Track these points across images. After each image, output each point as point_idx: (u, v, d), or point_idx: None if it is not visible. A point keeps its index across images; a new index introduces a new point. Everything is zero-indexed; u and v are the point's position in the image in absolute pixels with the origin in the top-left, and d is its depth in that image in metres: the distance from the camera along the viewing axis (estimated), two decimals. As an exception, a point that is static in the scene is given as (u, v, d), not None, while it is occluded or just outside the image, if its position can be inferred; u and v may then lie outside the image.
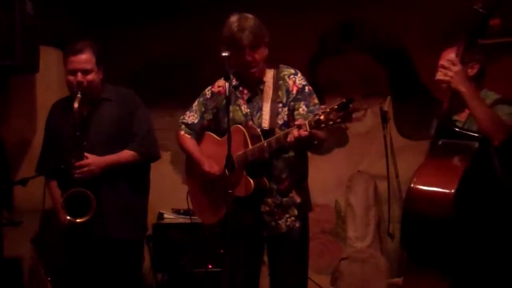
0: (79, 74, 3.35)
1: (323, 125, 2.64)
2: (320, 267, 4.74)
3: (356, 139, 4.71)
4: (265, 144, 2.89)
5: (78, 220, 3.29)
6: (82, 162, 3.30)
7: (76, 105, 3.30)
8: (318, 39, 4.82)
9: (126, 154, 3.44)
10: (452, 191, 2.59)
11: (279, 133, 2.95)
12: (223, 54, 2.85)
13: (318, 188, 4.68)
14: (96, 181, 3.33)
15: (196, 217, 3.50)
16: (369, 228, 4.61)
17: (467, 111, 2.96)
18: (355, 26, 4.77)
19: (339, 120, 2.60)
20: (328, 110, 2.62)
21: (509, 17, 3.93)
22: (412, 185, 2.68)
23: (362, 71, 4.75)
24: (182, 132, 3.25)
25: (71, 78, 3.38)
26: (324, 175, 4.71)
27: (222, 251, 3.18)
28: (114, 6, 4.81)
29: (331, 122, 2.62)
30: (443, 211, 2.59)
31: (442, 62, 2.96)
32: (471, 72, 2.97)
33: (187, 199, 3.31)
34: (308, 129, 2.69)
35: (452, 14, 4.03)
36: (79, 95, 3.32)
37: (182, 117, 3.29)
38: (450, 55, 3.02)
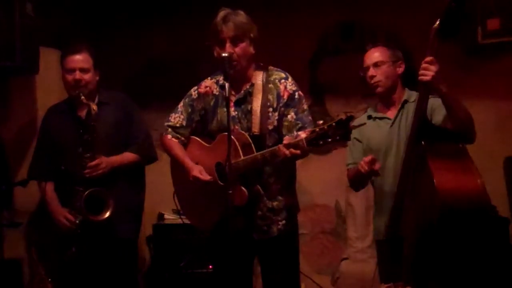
0: (77, 72, 3.39)
1: (320, 142, 2.55)
2: (320, 267, 4.75)
3: (356, 139, 4.70)
4: (259, 157, 2.81)
5: (101, 218, 3.36)
6: (95, 162, 3.36)
7: (95, 107, 3.35)
8: (318, 39, 4.81)
9: (129, 156, 3.53)
10: (479, 181, 2.64)
11: (269, 138, 2.93)
12: (223, 54, 2.84)
13: (319, 188, 4.70)
14: (97, 182, 3.39)
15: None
16: (369, 228, 4.60)
17: (395, 109, 3.11)
18: (355, 26, 4.76)
19: (337, 138, 2.51)
20: (326, 127, 2.52)
21: (508, 17, 3.95)
22: (438, 186, 2.64)
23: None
24: (169, 136, 3.15)
25: (69, 77, 3.42)
26: (324, 175, 4.70)
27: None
28: (114, 6, 4.81)
29: (330, 140, 2.52)
30: (481, 203, 2.65)
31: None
32: (399, 70, 3.10)
33: (174, 199, 3.26)
34: (306, 145, 2.61)
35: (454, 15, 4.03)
36: (82, 97, 3.34)
37: (167, 119, 3.18)
38: (375, 54, 3.11)
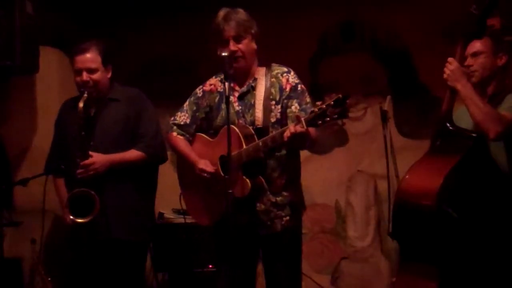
0: (84, 74, 3.37)
1: (319, 121, 2.59)
2: (320, 266, 4.74)
3: (356, 138, 4.71)
4: (260, 143, 2.85)
5: (80, 220, 3.30)
6: (86, 162, 3.30)
7: (81, 104, 3.31)
8: (318, 39, 4.82)
9: (133, 153, 3.43)
10: (436, 185, 2.68)
11: (272, 131, 2.94)
12: (223, 54, 2.86)
13: (318, 187, 4.70)
14: (100, 181, 3.33)
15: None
16: (369, 227, 4.61)
17: None
18: (355, 26, 4.76)
19: (335, 116, 2.56)
20: (325, 106, 2.58)
21: (508, 17, 3.95)
22: (401, 183, 2.82)
23: (362, 71, 4.75)
24: (175, 134, 3.19)
25: (77, 78, 3.40)
26: (324, 175, 4.71)
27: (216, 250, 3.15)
28: (114, 6, 4.81)
29: (328, 119, 2.57)
30: (427, 205, 2.69)
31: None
32: (500, 62, 3.05)
33: (180, 200, 3.27)
34: (305, 126, 2.64)
35: (452, 13, 4.03)
36: (85, 95, 3.33)
37: (172, 118, 3.23)
38: (476, 44, 3.06)
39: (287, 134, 2.71)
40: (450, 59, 2.87)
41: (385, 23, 4.63)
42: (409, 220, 2.79)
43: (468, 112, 2.86)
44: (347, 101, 2.56)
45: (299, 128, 2.66)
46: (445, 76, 2.87)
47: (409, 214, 2.79)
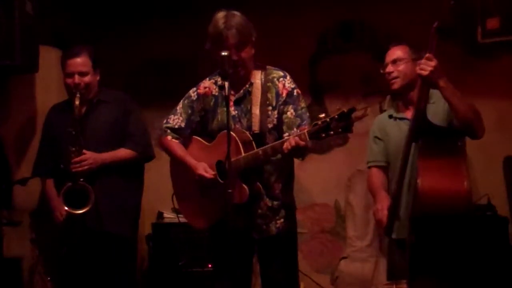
0: (76, 76, 3.48)
1: (323, 134, 2.54)
2: (320, 266, 4.75)
3: (356, 138, 4.68)
4: (260, 152, 2.81)
5: (76, 212, 3.37)
6: (80, 157, 3.40)
7: (77, 102, 3.42)
8: (318, 39, 4.82)
9: (123, 152, 3.56)
10: (465, 184, 2.67)
11: (269, 136, 2.93)
12: (223, 53, 2.81)
13: (318, 187, 4.71)
14: (91, 177, 3.42)
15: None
16: (368, 227, 4.61)
17: (412, 110, 3.06)
18: (355, 25, 4.77)
19: (339, 130, 2.50)
20: (328, 119, 2.51)
21: (508, 16, 3.95)
22: (420, 187, 2.69)
23: (361, 71, 4.75)
24: (169, 137, 3.14)
25: (69, 80, 3.50)
26: (324, 175, 4.71)
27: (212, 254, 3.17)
28: (113, 6, 4.81)
29: (332, 132, 2.51)
30: (462, 207, 2.66)
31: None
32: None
33: (172, 201, 3.26)
34: (308, 138, 2.60)
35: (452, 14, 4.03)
36: (78, 95, 3.43)
37: (165, 121, 3.17)
38: (395, 51, 3.16)
39: (287, 146, 2.68)
40: (429, 55, 2.78)
41: (385, 22, 4.62)
42: (437, 226, 2.70)
43: (453, 108, 2.81)
44: (352, 115, 2.48)
45: (300, 142, 2.63)
46: (426, 73, 2.76)
47: (437, 219, 2.69)
